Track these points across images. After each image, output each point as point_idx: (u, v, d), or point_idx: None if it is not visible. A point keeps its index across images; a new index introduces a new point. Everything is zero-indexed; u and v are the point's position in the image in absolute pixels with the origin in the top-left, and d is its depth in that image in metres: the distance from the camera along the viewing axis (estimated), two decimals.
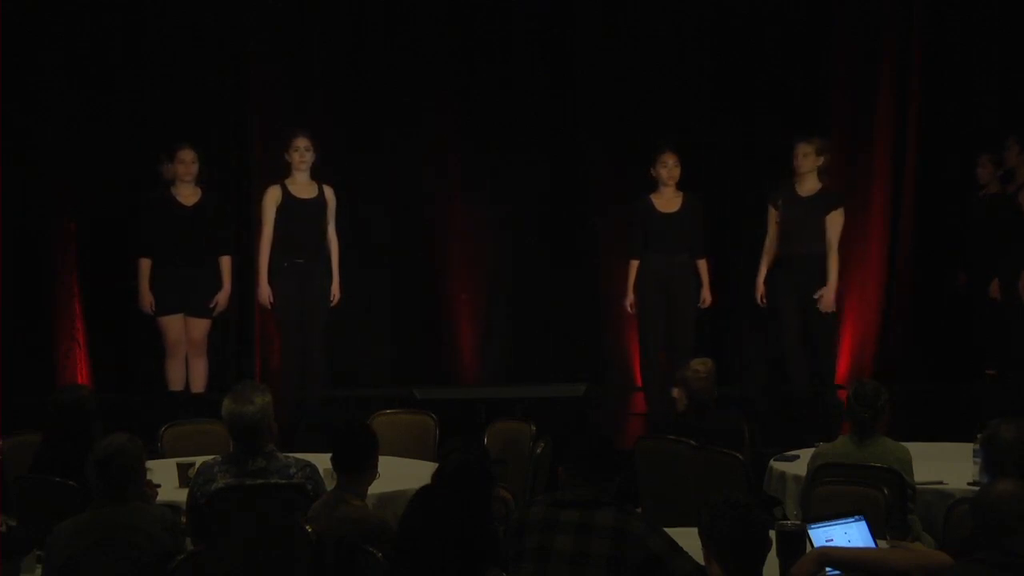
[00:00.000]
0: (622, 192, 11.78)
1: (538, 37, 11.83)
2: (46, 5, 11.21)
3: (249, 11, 11.51)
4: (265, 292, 9.81)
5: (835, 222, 9.90)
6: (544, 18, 11.83)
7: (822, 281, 9.90)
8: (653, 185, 10.12)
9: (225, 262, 9.92)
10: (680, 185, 10.14)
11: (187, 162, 9.79)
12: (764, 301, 9.99)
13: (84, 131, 11.28)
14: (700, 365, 7.53)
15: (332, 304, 9.85)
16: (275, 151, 10.74)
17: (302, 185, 9.80)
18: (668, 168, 10.02)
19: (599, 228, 11.84)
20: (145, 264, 9.87)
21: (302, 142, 9.75)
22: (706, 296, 10.09)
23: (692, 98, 11.84)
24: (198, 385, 9.87)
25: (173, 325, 9.88)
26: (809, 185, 9.89)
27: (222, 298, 9.91)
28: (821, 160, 9.85)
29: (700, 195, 10.16)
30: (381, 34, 11.70)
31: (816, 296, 9.87)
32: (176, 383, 9.94)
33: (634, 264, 10.13)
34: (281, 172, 9.98)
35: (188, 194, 9.85)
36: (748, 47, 11.81)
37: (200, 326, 9.92)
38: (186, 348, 9.91)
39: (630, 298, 10.13)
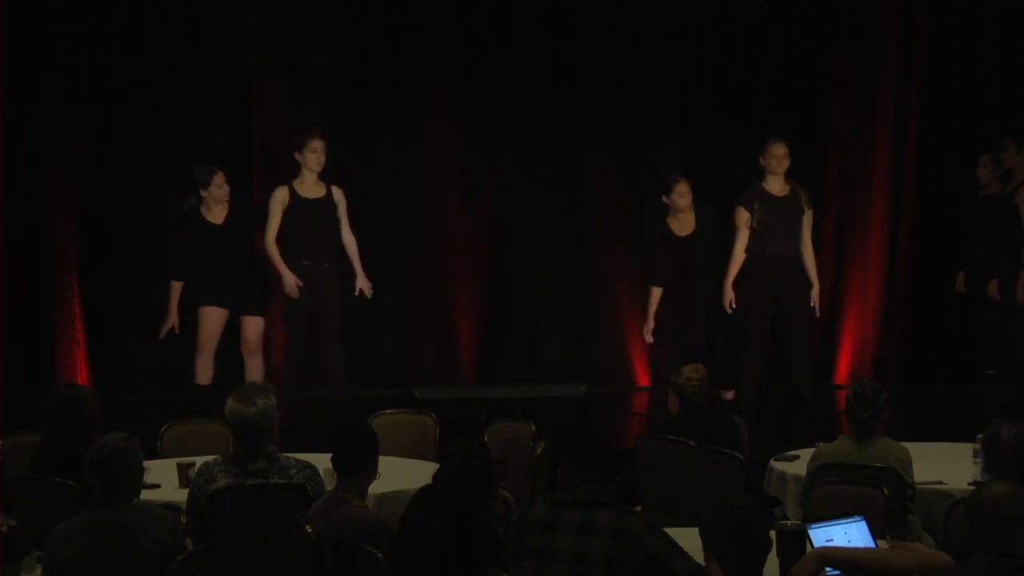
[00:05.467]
0: (622, 192, 11.81)
1: (538, 37, 11.83)
2: (48, 7, 11.22)
3: (250, 12, 11.50)
4: (291, 279, 9.74)
5: (809, 222, 9.92)
6: (544, 19, 11.83)
7: (796, 282, 9.85)
8: (664, 209, 10.07)
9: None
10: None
11: (221, 184, 9.76)
12: (733, 306, 9.90)
13: (84, 130, 11.28)
14: (693, 372, 7.52)
15: (365, 294, 9.87)
16: (275, 153, 10.76)
17: (311, 186, 9.79)
18: (684, 197, 9.99)
19: (599, 228, 11.84)
20: (176, 286, 9.82)
21: (319, 143, 9.72)
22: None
23: (692, 100, 11.85)
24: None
25: (213, 318, 9.82)
26: (780, 186, 9.88)
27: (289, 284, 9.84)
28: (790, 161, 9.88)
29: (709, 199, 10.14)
30: (381, 34, 11.70)
31: (812, 304, 9.88)
32: (204, 378, 9.89)
33: (656, 292, 10.05)
34: (282, 174, 9.97)
35: (218, 212, 9.82)
36: (748, 49, 11.82)
37: (253, 324, 9.89)
38: (242, 347, 9.89)
39: (650, 326, 10.06)
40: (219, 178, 9.74)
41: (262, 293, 9.93)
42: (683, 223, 10.03)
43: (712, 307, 10.05)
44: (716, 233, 10.06)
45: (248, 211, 9.98)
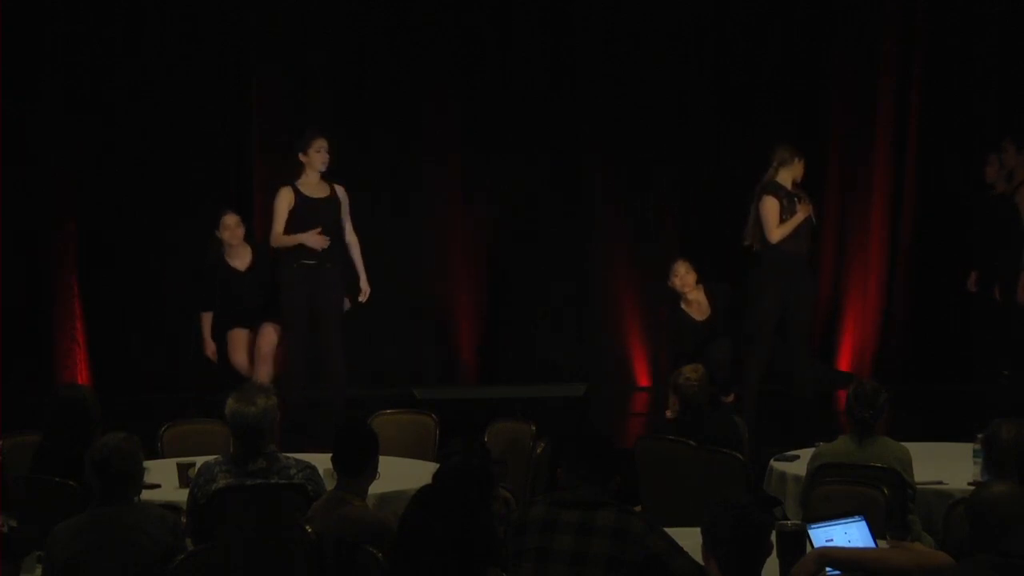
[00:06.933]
0: (622, 192, 11.80)
1: (538, 37, 11.83)
2: (48, 7, 11.22)
3: (250, 12, 11.51)
4: (312, 235, 9.65)
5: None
6: (544, 19, 11.84)
7: (804, 282, 9.84)
8: (676, 295, 10.07)
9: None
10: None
11: (231, 227, 9.72)
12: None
13: (84, 130, 11.29)
14: (692, 372, 7.53)
15: (362, 300, 9.86)
16: (275, 153, 10.76)
17: (314, 186, 9.75)
18: (681, 277, 10.03)
19: (599, 228, 11.84)
20: (207, 318, 9.81)
21: (323, 143, 9.70)
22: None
23: (692, 100, 11.85)
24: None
25: (239, 340, 9.87)
26: (792, 185, 9.87)
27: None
28: None
29: (721, 285, 10.13)
30: (381, 34, 11.71)
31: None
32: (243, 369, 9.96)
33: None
34: (285, 173, 9.95)
35: (241, 259, 9.82)
36: (748, 49, 11.83)
37: (267, 333, 9.90)
38: (254, 353, 9.89)
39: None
40: (227, 219, 9.73)
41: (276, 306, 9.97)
42: (697, 307, 10.05)
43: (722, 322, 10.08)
44: (730, 310, 10.05)
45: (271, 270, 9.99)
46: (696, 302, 10.10)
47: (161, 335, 11.11)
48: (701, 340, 9.99)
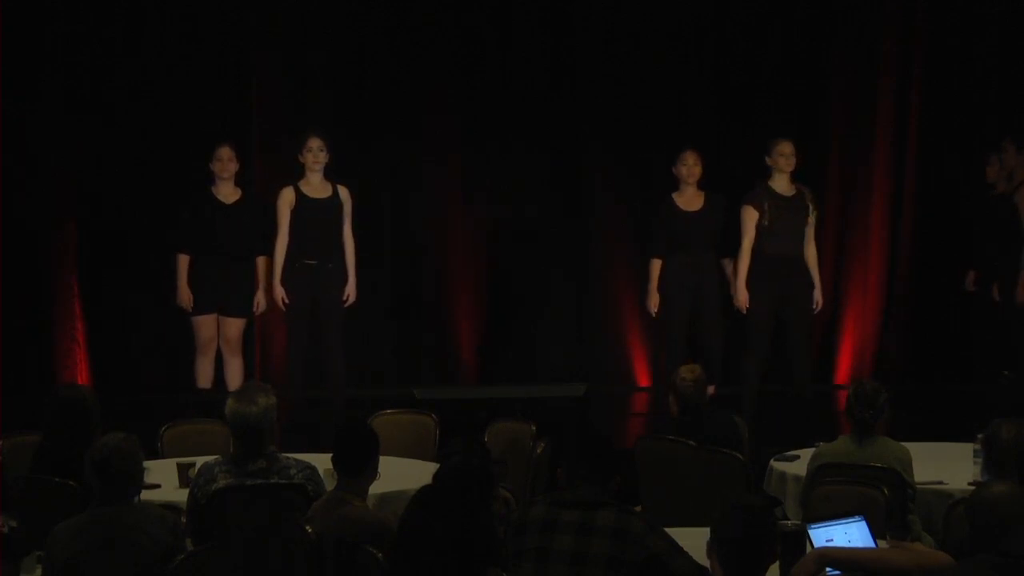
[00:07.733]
0: (622, 192, 11.80)
1: (538, 37, 11.83)
2: (48, 7, 11.22)
3: (251, 12, 11.51)
4: (279, 293, 9.77)
5: (814, 222, 9.92)
6: (544, 19, 11.83)
7: (800, 282, 9.86)
8: (675, 184, 10.07)
9: (261, 262, 9.91)
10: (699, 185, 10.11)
11: (223, 160, 9.80)
12: (748, 306, 9.86)
13: (84, 130, 11.28)
14: (688, 373, 7.53)
15: (346, 304, 9.86)
16: (276, 153, 10.75)
17: (316, 186, 9.80)
18: (688, 166, 9.97)
19: (599, 228, 11.84)
20: (183, 260, 9.86)
21: (315, 142, 9.75)
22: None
23: (692, 100, 11.85)
24: (235, 383, 9.76)
25: (206, 324, 9.89)
26: (786, 185, 9.87)
27: (260, 298, 9.90)
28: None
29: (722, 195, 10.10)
30: (381, 34, 11.70)
31: (815, 305, 9.90)
32: (204, 380, 9.92)
33: (656, 263, 10.06)
34: (285, 173, 9.98)
35: (228, 192, 9.85)
36: (748, 49, 11.82)
37: (235, 325, 9.92)
38: (222, 346, 9.91)
39: (653, 298, 10.08)
40: (221, 152, 9.79)
41: (249, 293, 9.94)
42: (689, 199, 10.00)
43: (710, 306, 10.04)
44: (722, 222, 10.02)
45: (259, 205, 9.96)
46: (689, 196, 10.01)
47: (161, 335, 11.10)
48: (680, 230, 9.94)
